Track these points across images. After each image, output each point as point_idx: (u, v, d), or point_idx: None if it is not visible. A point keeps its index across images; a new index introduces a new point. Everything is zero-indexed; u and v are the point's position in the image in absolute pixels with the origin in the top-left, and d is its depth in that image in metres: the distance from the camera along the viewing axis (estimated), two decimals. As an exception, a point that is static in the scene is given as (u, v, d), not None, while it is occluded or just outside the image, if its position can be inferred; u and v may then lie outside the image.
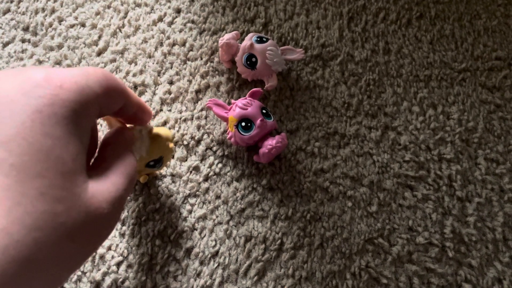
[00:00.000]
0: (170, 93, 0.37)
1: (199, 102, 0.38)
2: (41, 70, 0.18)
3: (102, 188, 0.20)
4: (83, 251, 0.18)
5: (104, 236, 0.20)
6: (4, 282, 0.15)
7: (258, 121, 0.32)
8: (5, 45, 0.39)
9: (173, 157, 0.35)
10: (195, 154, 0.35)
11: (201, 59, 0.39)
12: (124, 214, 0.33)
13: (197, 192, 0.34)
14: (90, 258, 0.31)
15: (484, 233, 0.35)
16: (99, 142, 0.24)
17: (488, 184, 0.37)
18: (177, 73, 0.39)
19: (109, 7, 0.41)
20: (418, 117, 0.39)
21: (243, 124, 0.32)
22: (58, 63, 0.38)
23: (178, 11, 0.42)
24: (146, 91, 0.37)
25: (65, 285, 0.31)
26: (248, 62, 0.36)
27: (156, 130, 0.28)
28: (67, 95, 0.18)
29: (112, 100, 0.21)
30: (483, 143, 0.38)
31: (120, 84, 0.21)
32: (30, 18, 0.40)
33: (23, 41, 0.39)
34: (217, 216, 0.33)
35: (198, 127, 0.36)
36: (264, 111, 0.33)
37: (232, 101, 0.34)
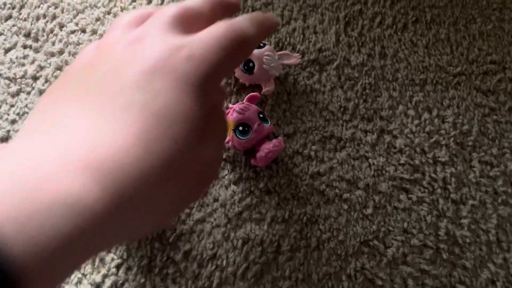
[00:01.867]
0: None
1: (198, 107, 0.38)
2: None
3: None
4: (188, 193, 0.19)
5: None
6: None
7: (255, 125, 0.33)
8: (7, 51, 0.40)
9: None
10: (193, 158, 0.36)
11: (200, 64, 0.40)
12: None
13: (196, 196, 0.35)
14: (90, 260, 0.32)
15: (478, 235, 0.35)
16: None
17: (482, 186, 0.37)
18: (176, 78, 0.39)
19: (109, 13, 0.42)
20: (413, 120, 0.40)
21: (241, 128, 0.33)
22: (59, 68, 0.39)
23: (177, 16, 0.42)
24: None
25: (66, 286, 0.31)
26: (246, 67, 0.36)
27: None
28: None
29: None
30: (477, 146, 0.39)
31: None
32: (31, 24, 0.41)
33: (24, 47, 0.40)
34: (215, 219, 0.34)
35: (197, 131, 0.37)
36: (261, 115, 0.34)
37: (230, 105, 0.35)
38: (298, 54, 0.39)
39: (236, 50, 0.19)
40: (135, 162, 0.15)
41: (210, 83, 0.18)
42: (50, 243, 0.13)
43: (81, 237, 0.14)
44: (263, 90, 0.37)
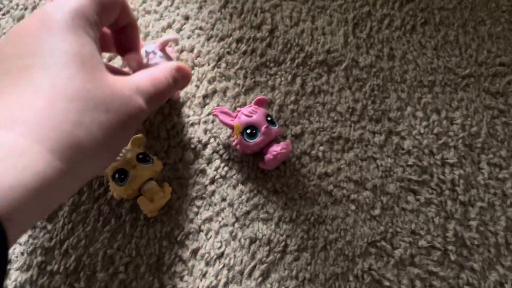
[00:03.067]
0: (176, 100, 0.38)
1: (206, 107, 0.38)
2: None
3: (123, 79, 0.24)
4: (117, 121, 0.22)
5: (130, 116, 0.24)
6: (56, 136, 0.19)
7: (263, 128, 0.33)
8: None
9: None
10: (202, 157, 0.36)
11: (208, 64, 0.40)
12: (133, 216, 0.34)
13: (204, 195, 0.35)
14: (99, 258, 0.32)
15: (486, 237, 0.35)
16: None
17: (490, 188, 0.37)
18: (185, 79, 0.40)
19: (119, 14, 0.43)
20: (421, 122, 0.39)
21: (248, 131, 0.33)
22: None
23: (187, 18, 0.43)
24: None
25: (75, 284, 0.32)
26: None
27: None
28: (65, 5, 0.23)
29: (106, 5, 0.26)
30: (486, 148, 0.39)
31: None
32: (43, 25, 0.41)
33: (36, 47, 0.40)
34: (222, 218, 0.34)
35: (205, 131, 0.37)
36: (269, 118, 0.34)
37: (238, 109, 0.35)
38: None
39: None
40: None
41: None
42: (23, 191, 0.17)
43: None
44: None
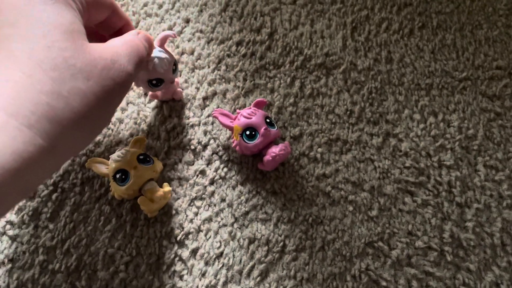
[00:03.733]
0: (179, 100, 0.39)
1: (206, 109, 0.39)
2: None
3: (102, 45, 0.24)
4: (99, 89, 0.22)
5: (114, 83, 0.23)
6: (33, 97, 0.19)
7: (262, 130, 0.33)
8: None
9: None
10: (201, 158, 0.37)
11: (209, 67, 0.41)
12: (133, 216, 0.34)
13: (203, 195, 0.35)
14: (100, 257, 0.33)
15: (482, 238, 0.36)
16: None
17: (487, 190, 0.37)
18: (185, 81, 0.40)
19: (121, 17, 0.43)
20: (419, 124, 0.40)
21: (248, 132, 0.34)
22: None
23: (187, 21, 0.44)
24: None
25: (76, 283, 0.32)
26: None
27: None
28: None
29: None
30: (482, 150, 0.39)
31: None
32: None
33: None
34: (222, 219, 0.35)
35: (205, 133, 0.38)
36: (268, 120, 0.35)
37: (237, 110, 0.36)
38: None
39: None
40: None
41: None
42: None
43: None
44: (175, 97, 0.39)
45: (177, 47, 0.42)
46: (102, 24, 0.30)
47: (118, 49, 0.25)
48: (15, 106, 0.18)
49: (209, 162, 0.37)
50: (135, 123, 0.38)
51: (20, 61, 0.19)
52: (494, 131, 0.40)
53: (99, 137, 0.37)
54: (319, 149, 0.38)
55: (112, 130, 0.38)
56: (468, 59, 0.44)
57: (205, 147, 0.37)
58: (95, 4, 0.27)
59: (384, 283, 0.33)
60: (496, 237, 0.35)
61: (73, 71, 0.20)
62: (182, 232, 0.34)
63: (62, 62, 0.20)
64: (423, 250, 0.35)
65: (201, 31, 0.43)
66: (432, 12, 0.47)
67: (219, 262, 0.33)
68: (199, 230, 0.34)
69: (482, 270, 0.34)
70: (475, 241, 0.35)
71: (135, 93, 0.39)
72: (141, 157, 0.33)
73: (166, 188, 0.33)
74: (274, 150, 0.33)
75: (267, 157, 0.33)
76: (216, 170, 0.36)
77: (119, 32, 0.31)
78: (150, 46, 0.31)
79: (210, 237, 0.34)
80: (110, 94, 0.23)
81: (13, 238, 0.33)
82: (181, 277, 0.33)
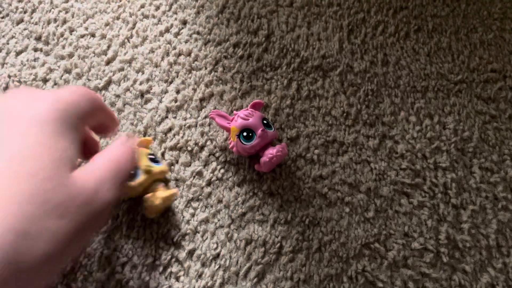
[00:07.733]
0: (175, 101, 0.39)
1: (203, 110, 0.39)
2: (46, 91, 0.24)
3: (87, 169, 0.23)
4: (72, 228, 0.20)
5: (92, 216, 0.22)
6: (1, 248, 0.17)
7: (259, 131, 0.33)
8: (18, 53, 0.41)
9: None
10: (198, 159, 0.37)
11: (206, 68, 0.41)
12: (130, 217, 0.34)
13: (200, 196, 0.35)
14: (96, 259, 0.32)
15: (478, 240, 0.36)
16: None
17: (482, 192, 0.38)
18: (182, 82, 0.40)
19: (118, 18, 0.43)
20: (415, 126, 0.40)
21: (245, 134, 0.34)
22: (68, 71, 0.40)
23: (184, 22, 0.44)
24: (152, 99, 0.39)
25: (72, 284, 0.32)
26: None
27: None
28: (62, 107, 0.23)
29: (96, 115, 0.26)
30: (478, 153, 0.40)
31: (103, 104, 0.27)
32: (42, 28, 0.42)
33: (35, 50, 0.41)
34: (218, 220, 0.35)
35: (202, 134, 0.38)
36: (265, 121, 0.35)
37: (234, 112, 0.36)
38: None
39: None
40: None
41: None
42: None
43: None
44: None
45: (174, 48, 0.42)
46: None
47: (103, 173, 0.23)
48: None
49: (206, 163, 0.37)
50: (132, 124, 0.38)
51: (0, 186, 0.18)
52: (489, 133, 0.41)
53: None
54: (316, 151, 0.38)
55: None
56: (463, 62, 0.44)
57: (202, 148, 0.37)
58: (95, 120, 0.26)
59: (380, 285, 0.33)
60: (491, 239, 0.36)
61: (48, 207, 0.19)
62: (178, 233, 0.34)
63: (41, 194, 0.19)
64: (419, 252, 0.35)
65: (198, 33, 0.43)
66: (427, 15, 0.47)
67: (215, 263, 0.33)
68: (195, 231, 0.34)
69: (477, 271, 0.35)
70: (470, 242, 0.35)
71: (131, 94, 0.39)
72: (151, 156, 0.33)
73: (173, 190, 0.33)
74: (271, 151, 0.33)
75: (264, 159, 0.33)
76: (213, 171, 0.36)
77: (103, 127, 0.29)
78: (135, 157, 0.28)
79: (206, 238, 0.34)
80: (83, 231, 0.21)
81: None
82: (177, 279, 0.33)
